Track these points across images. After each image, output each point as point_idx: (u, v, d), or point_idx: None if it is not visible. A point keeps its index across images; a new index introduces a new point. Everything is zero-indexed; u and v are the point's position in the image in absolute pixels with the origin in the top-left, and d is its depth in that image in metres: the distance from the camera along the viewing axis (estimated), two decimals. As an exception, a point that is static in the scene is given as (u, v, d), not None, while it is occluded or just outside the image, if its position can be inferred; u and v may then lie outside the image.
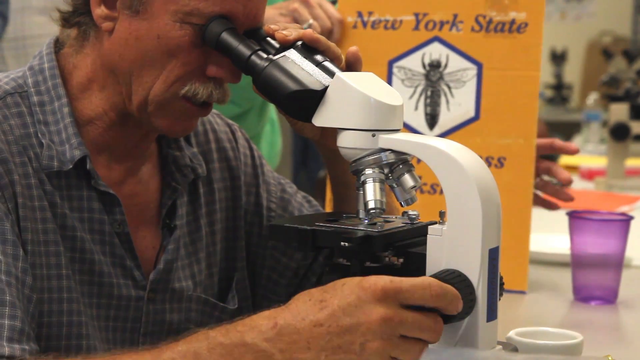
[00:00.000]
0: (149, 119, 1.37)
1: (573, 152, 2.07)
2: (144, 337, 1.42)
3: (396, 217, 1.32)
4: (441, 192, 1.23)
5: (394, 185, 1.28)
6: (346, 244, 1.23)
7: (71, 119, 1.38)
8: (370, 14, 2.00)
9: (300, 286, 1.58)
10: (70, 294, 1.34)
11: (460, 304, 1.16)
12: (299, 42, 1.34)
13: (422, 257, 1.23)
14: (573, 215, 1.89)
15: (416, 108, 2.01)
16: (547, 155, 2.09)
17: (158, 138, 1.48)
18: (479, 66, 1.99)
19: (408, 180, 1.27)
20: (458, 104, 2.00)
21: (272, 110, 2.72)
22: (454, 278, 1.20)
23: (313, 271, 1.58)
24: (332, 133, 1.32)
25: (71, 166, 1.36)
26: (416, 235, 1.28)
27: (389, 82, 1.99)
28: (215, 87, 1.36)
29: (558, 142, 2.06)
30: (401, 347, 1.13)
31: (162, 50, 1.34)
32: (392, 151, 1.26)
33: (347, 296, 1.14)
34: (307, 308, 1.15)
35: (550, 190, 2.05)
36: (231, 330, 1.17)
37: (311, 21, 1.96)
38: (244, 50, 1.33)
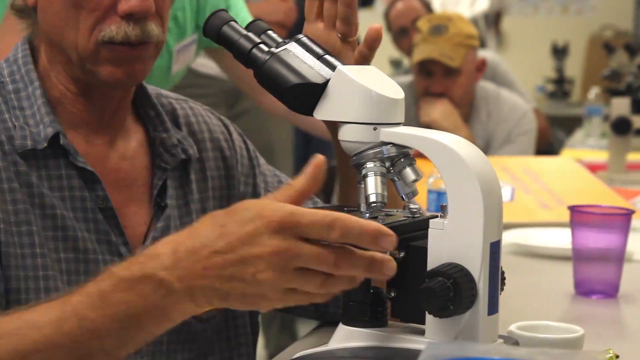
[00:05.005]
0: (94, 76, 1.39)
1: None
2: None
3: (397, 211, 1.32)
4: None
5: (395, 178, 1.28)
6: (347, 237, 1.22)
7: (43, 99, 1.40)
8: None
9: None
10: (46, 271, 1.35)
11: (381, 238, 1.08)
12: (301, 35, 1.34)
13: (424, 251, 1.24)
14: (574, 210, 1.89)
15: None
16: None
17: (145, 123, 1.49)
18: None
19: (409, 173, 1.27)
20: None
21: None
22: (456, 272, 1.20)
23: None
24: None
25: (46, 144, 1.38)
26: (417, 228, 1.28)
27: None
28: (129, 24, 1.37)
29: None
30: (296, 279, 1.08)
31: (69, 5, 1.37)
32: (394, 145, 1.26)
33: (246, 224, 1.09)
34: (207, 234, 1.11)
35: None
36: (133, 263, 1.14)
37: None
38: (245, 43, 1.33)
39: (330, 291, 1.10)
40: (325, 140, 3.16)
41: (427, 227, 1.24)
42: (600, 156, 3.76)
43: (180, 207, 1.49)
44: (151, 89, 1.57)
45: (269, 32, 1.36)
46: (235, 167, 1.58)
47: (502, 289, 1.27)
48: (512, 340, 1.34)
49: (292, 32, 1.49)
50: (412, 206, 1.30)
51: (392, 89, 1.28)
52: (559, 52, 7.23)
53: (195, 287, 1.10)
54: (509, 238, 2.21)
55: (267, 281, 1.08)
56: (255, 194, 1.58)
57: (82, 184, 1.40)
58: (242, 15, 2.63)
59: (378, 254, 1.09)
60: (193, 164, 1.52)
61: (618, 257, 1.87)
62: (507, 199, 2.56)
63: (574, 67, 7.50)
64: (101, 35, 1.37)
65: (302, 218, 1.07)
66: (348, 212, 1.31)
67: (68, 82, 1.42)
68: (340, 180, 1.54)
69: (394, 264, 1.09)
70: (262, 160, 1.63)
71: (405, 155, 1.27)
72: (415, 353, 1.07)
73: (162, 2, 1.41)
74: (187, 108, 1.58)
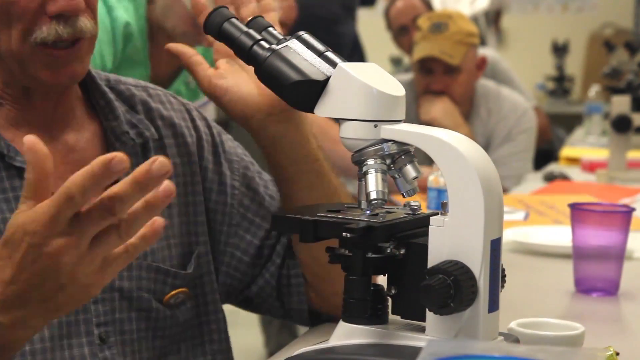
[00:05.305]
0: (35, 80, 1.39)
1: None
2: (95, 304, 1.42)
3: (398, 208, 1.32)
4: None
5: (396, 176, 1.28)
6: (348, 234, 1.23)
7: None
8: None
9: (265, 267, 1.59)
10: None
11: (109, 165, 1.04)
12: (302, 32, 1.34)
13: (424, 248, 1.24)
14: (575, 207, 1.89)
15: None
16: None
17: (97, 114, 1.49)
18: None
19: (410, 171, 1.27)
20: None
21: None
22: (456, 269, 1.20)
23: (277, 253, 1.59)
24: (277, 118, 1.41)
25: None
26: (418, 226, 1.28)
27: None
28: (59, 23, 1.36)
29: None
30: (98, 251, 1.07)
31: None
32: (394, 142, 1.26)
33: (20, 245, 1.08)
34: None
35: None
36: None
37: None
38: (246, 40, 1.33)
39: (135, 231, 1.08)
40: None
41: (428, 224, 1.24)
42: (601, 154, 3.76)
43: None
44: (111, 76, 1.56)
45: (270, 29, 1.36)
46: (197, 153, 1.57)
47: (502, 287, 1.27)
48: (512, 338, 1.34)
49: (292, 29, 1.49)
50: (412, 203, 1.30)
51: (393, 86, 1.27)
52: (559, 50, 7.23)
53: (24, 316, 1.10)
54: (509, 236, 2.21)
55: (80, 274, 1.07)
56: (221, 183, 1.58)
57: (24, 183, 1.39)
58: None
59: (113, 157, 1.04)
60: (154, 150, 1.52)
61: (618, 255, 1.87)
62: (521, 219, 2.54)
63: (574, 65, 7.50)
64: (33, 38, 1.36)
65: (52, 210, 1.05)
66: (348, 208, 1.32)
67: (5, 87, 1.41)
68: (277, 183, 1.56)
69: (121, 156, 1.05)
70: (228, 144, 1.62)
71: (405, 153, 1.27)
72: (416, 350, 1.07)
73: None
74: (145, 95, 1.57)
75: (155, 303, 1.48)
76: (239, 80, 1.50)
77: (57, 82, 1.40)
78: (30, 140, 1.08)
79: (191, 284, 1.52)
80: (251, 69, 1.35)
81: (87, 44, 1.40)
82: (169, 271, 1.50)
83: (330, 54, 1.31)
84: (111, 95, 1.51)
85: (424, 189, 2.17)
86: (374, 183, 1.25)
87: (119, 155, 1.04)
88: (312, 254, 1.54)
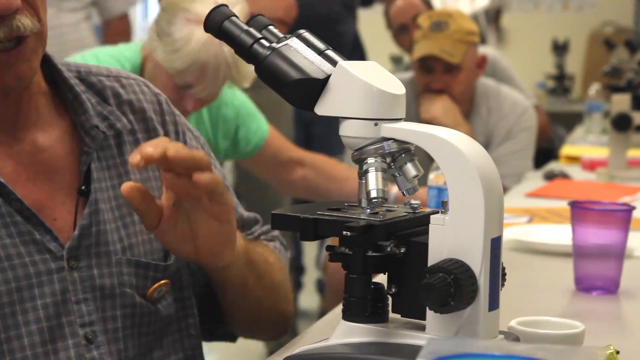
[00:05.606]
0: None
1: None
2: (78, 304, 1.40)
3: (398, 206, 1.32)
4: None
5: (396, 174, 1.28)
6: (348, 233, 1.23)
7: None
8: None
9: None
10: None
11: None
12: (302, 31, 1.34)
13: (424, 247, 1.24)
14: (575, 206, 1.89)
15: None
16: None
17: (66, 108, 1.47)
18: None
19: (410, 169, 1.27)
20: None
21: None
22: (457, 268, 1.20)
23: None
24: (215, 272, 1.47)
25: None
26: (418, 224, 1.28)
27: None
28: None
29: None
30: None
31: None
32: (395, 140, 1.26)
33: None
34: None
35: None
36: None
37: None
38: (246, 38, 1.33)
39: None
40: (325, 138, 3.17)
41: (428, 222, 1.24)
42: (601, 153, 3.76)
43: (114, 187, 1.47)
44: (82, 67, 1.53)
45: (270, 27, 1.35)
46: None
47: (502, 285, 1.27)
48: (512, 336, 1.34)
49: (292, 28, 1.48)
50: (412, 202, 1.30)
51: (393, 85, 1.27)
52: (560, 49, 7.23)
53: None
54: (509, 234, 2.21)
55: None
56: None
57: None
58: (253, 127, 2.74)
59: None
60: (128, 142, 1.50)
61: (618, 253, 1.87)
62: (524, 222, 2.53)
63: (574, 64, 7.50)
64: None
65: None
66: (349, 207, 1.32)
67: None
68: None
69: None
70: (191, 146, 1.59)
71: (406, 151, 1.27)
72: (416, 349, 1.07)
73: None
74: (118, 86, 1.55)
75: (138, 298, 1.47)
76: (178, 238, 1.39)
77: (6, 85, 1.38)
78: None
79: (171, 277, 1.52)
80: (197, 220, 1.34)
81: (32, 42, 1.37)
82: (149, 264, 1.48)
83: (330, 53, 1.31)
84: (80, 88, 1.49)
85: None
86: (374, 181, 1.26)
87: None
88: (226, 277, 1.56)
